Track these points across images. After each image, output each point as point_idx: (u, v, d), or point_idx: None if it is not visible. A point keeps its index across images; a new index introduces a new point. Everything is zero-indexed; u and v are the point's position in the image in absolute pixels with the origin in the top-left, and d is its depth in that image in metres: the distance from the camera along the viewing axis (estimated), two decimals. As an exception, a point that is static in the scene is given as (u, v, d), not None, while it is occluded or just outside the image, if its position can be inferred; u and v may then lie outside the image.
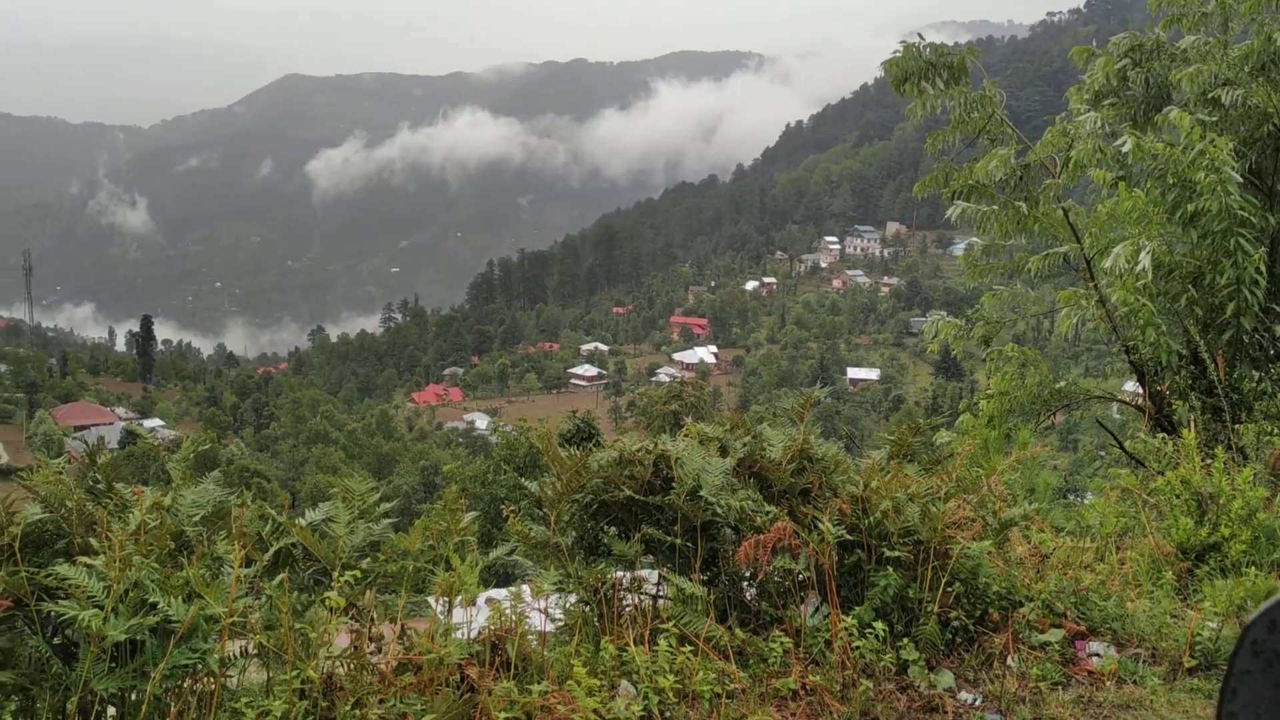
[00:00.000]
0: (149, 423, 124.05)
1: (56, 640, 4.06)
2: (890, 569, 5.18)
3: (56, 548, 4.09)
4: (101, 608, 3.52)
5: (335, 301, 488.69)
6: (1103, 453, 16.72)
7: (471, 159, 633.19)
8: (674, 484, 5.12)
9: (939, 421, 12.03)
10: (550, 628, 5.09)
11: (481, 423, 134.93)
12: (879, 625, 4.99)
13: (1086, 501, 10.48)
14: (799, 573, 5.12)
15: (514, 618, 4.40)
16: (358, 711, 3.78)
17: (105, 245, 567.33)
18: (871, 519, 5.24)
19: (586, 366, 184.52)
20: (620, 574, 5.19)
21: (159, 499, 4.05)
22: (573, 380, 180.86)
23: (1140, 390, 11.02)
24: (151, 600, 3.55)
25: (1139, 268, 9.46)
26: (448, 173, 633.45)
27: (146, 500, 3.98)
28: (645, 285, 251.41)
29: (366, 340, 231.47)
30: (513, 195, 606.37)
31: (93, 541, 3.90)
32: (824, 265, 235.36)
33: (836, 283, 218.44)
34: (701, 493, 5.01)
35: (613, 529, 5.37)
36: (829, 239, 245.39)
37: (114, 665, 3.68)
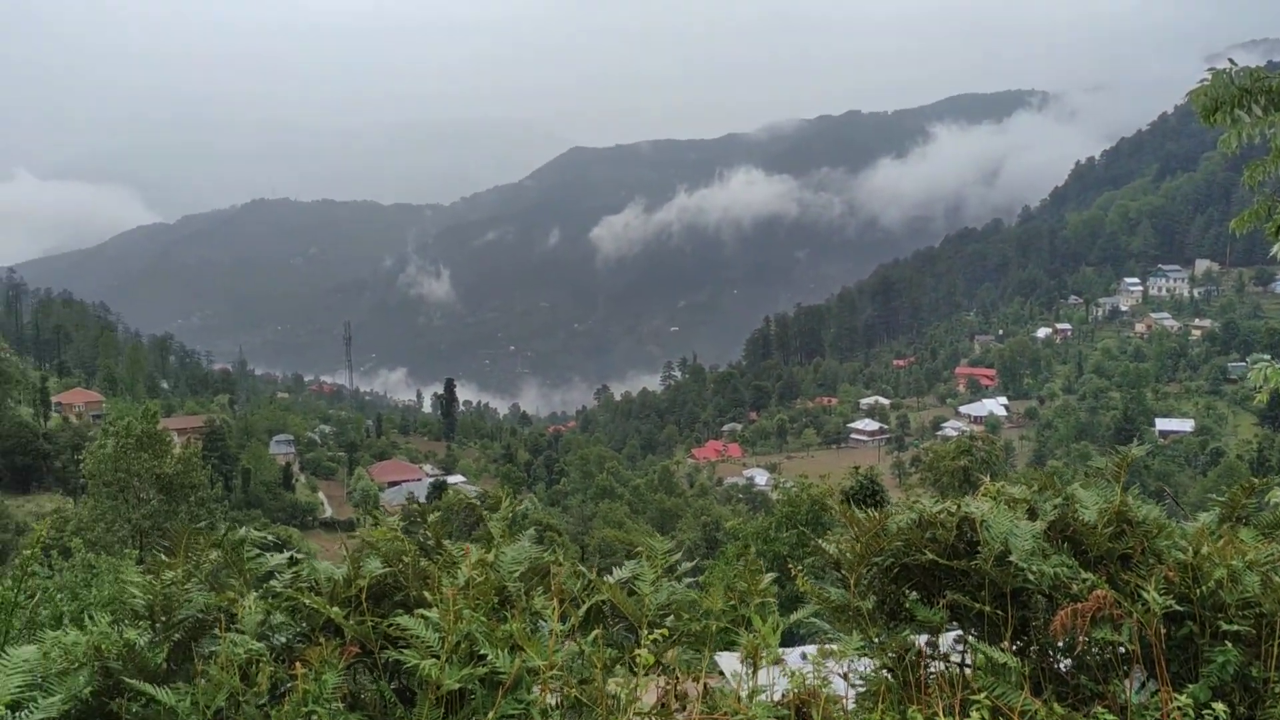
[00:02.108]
0: (452, 479, 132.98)
1: (393, 686, 4.43)
2: (1229, 644, 4.71)
3: (395, 599, 4.47)
4: (438, 657, 3.81)
5: (619, 361, 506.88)
6: None
7: (746, 217, 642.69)
8: (979, 547, 4.93)
9: (1276, 481, 10.87)
10: (851, 693, 5.00)
11: (761, 478, 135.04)
12: (1218, 706, 4.54)
13: None
14: (1121, 645, 4.76)
15: (817, 681, 4.36)
16: (668, 768, 3.87)
17: (414, 314, 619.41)
18: (1204, 588, 4.81)
19: (867, 421, 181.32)
20: (924, 640, 5.03)
21: (483, 556, 4.35)
22: (853, 435, 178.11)
23: None
24: (481, 652, 3.81)
25: None
26: (723, 232, 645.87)
27: (473, 557, 4.29)
28: (927, 336, 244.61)
29: (648, 398, 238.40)
30: (788, 250, 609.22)
31: (426, 594, 4.23)
32: (1124, 309, 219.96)
33: (1140, 327, 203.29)
34: (1010, 557, 4.79)
35: (913, 593, 5.22)
36: (1129, 280, 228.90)
37: (446, 712, 3.96)
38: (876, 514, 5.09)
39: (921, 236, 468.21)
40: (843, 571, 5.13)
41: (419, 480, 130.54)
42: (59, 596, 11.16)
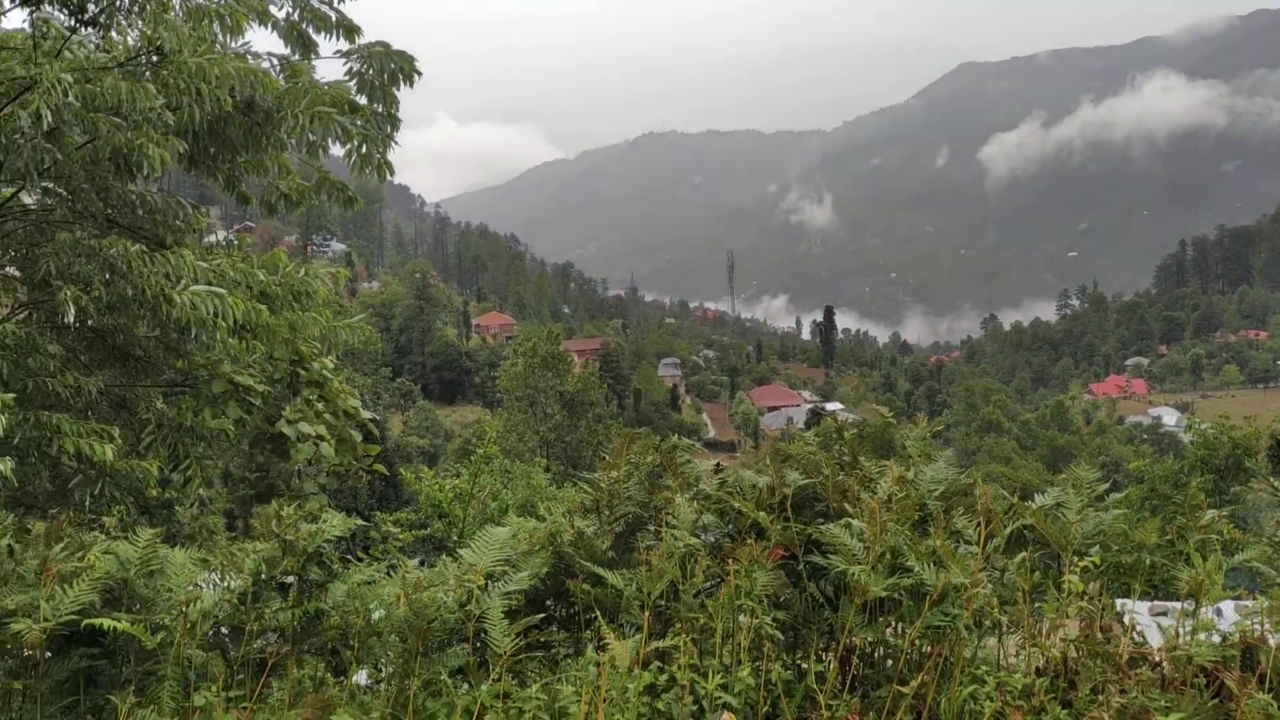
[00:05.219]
0: (830, 406, 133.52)
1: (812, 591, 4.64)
2: None
3: (816, 510, 4.67)
4: (862, 565, 3.96)
5: (1009, 289, 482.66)
6: None
7: (1161, 130, 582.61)
8: None
9: None
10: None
11: (1169, 418, 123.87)
12: None
13: None
14: None
15: (1267, 626, 4.05)
16: (1098, 697, 3.78)
17: (794, 241, 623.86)
18: None
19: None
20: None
21: (903, 473, 4.43)
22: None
23: None
24: (906, 564, 3.90)
25: None
26: (1132, 147, 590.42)
27: (894, 473, 4.38)
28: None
29: (1040, 329, 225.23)
30: (1212, 165, 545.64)
31: (846, 507, 4.39)
32: None
33: None
34: None
35: (1384, 543, 4.67)
36: None
37: (869, 618, 4.11)
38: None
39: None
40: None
41: (798, 406, 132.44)
42: (504, 492, 12.76)
